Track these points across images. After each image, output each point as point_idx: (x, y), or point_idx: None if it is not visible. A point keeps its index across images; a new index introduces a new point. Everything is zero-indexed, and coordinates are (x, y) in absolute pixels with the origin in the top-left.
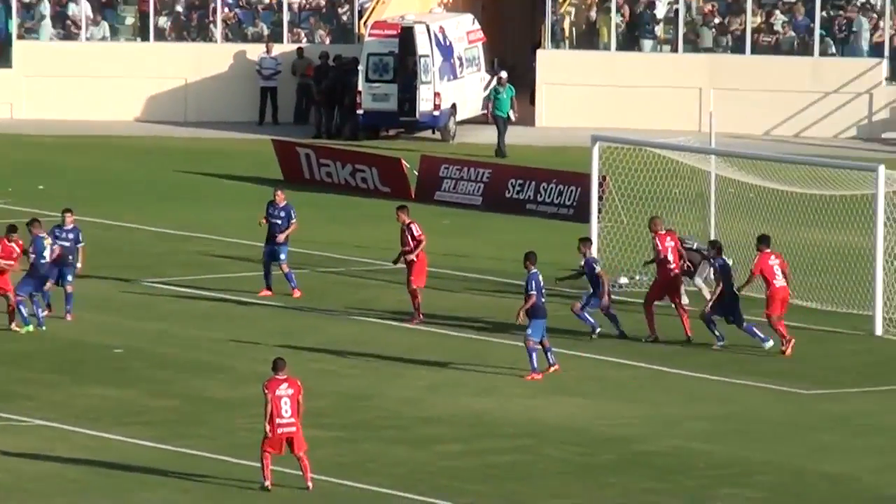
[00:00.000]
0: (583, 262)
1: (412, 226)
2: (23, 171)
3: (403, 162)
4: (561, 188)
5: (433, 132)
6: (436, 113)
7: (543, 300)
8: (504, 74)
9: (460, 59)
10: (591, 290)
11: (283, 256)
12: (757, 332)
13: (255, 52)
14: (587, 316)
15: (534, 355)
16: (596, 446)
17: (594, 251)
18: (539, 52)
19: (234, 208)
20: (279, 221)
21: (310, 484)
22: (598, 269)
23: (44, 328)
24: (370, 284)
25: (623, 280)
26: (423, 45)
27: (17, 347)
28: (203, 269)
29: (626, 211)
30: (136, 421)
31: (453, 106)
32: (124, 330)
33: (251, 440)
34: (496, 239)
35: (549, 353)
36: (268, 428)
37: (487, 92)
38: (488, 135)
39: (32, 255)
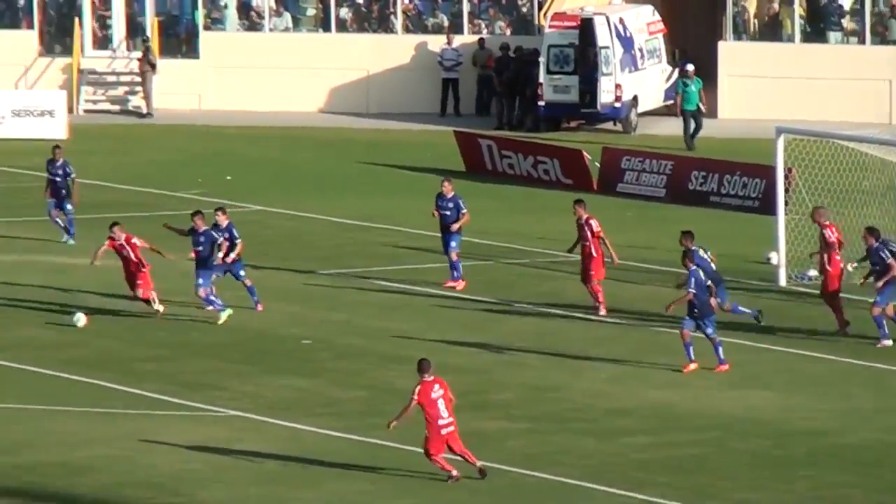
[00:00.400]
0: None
1: (591, 221)
2: (211, 161)
3: (585, 154)
4: (745, 180)
5: (614, 124)
6: (617, 105)
7: (710, 296)
8: (691, 67)
9: (641, 50)
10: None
11: (453, 244)
12: (884, 325)
13: (435, 43)
14: (740, 308)
15: (720, 348)
16: (786, 439)
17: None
18: (721, 43)
19: (416, 199)
20: (448, 213)
21: (479, 464)
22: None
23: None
24: (554, 276)
25: (812, 273)
26: (603, 36)
27: (208, 339)
28: (386, 260)
29: (813, 203)
30: (326, 412)
31: (634, 97)
32: (310, 321)
33: None
34: (679, 231)
35: (718, 349)
36: (393, 423)
37: (671, 84)
38: (670, 126)
39: (198, 249)
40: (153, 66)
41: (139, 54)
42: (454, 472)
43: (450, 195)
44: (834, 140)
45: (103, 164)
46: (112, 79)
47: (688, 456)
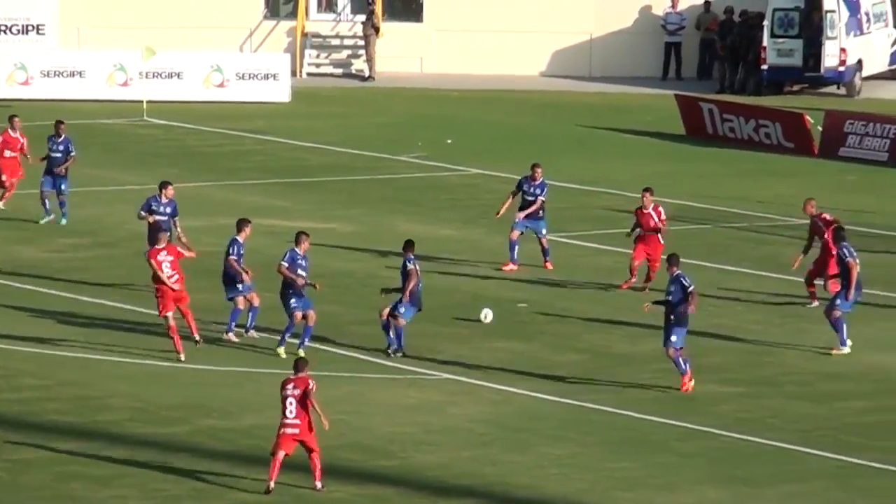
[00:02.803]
0: None
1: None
2: (431, 125)
3: (807, 118)
4: None
5: (838, 88)
6: (841, 69)
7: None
8: None
9: (867, 14)
10: None
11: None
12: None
13: (659, 6)
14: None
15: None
16: None
17: None
18: None
19: (637, 163)
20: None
21: (318, 484)
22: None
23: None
24: (773, 241)
25: None
26: (829, 0)
27: (424, 302)
28: (606, 224)
29: None
30: (539, 375)
31: (859, 62)
32: (527, 284)
33: (657, 395)
34: None
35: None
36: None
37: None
38: (895, 90)
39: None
40: (377, 30)
41: (363, 18)
42: (271, 485)
43: (538, 180)
44: None
45: (324, 128)
46: (336, 42)
47: None
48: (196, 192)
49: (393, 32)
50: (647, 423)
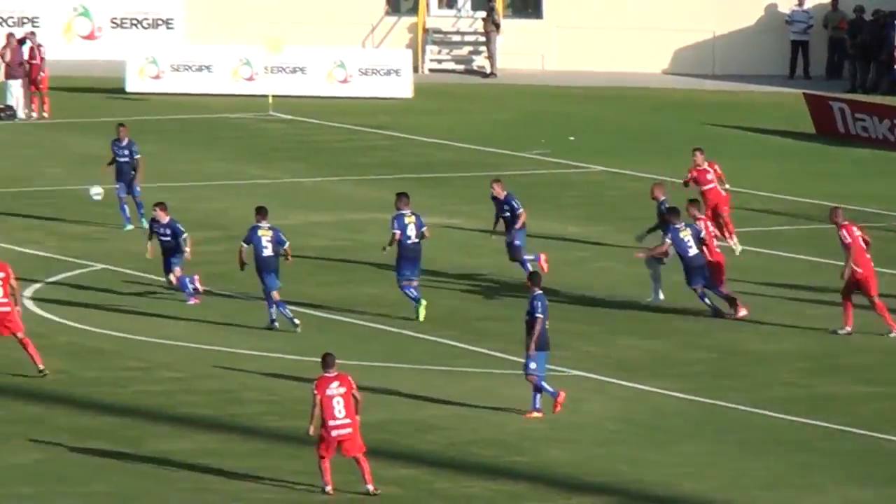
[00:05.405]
0: None
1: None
2: (553, 122)
3: None
4: None
5: None
6: None
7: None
8: None
9: None
10: None
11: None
12: None
13: (786, 4)
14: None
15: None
16: None
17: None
18: None
19: (765, 162)
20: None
21: (370, 487)
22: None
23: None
24: None
25: None
26: None
27: (549, 299)
28: (737, 222)
29: None
30: (670, 373)
31: None
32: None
33: (791, 394)
34: None
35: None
36: (311, 429)
37: None
38: None
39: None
40: (497, 26)
41: (483, 14)
42: (328, 488)
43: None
44: None
45: (446, 124)
46: (457, 38)
47: None
48: (321, 187)
49: (513, 29)
50: (780, 422)
